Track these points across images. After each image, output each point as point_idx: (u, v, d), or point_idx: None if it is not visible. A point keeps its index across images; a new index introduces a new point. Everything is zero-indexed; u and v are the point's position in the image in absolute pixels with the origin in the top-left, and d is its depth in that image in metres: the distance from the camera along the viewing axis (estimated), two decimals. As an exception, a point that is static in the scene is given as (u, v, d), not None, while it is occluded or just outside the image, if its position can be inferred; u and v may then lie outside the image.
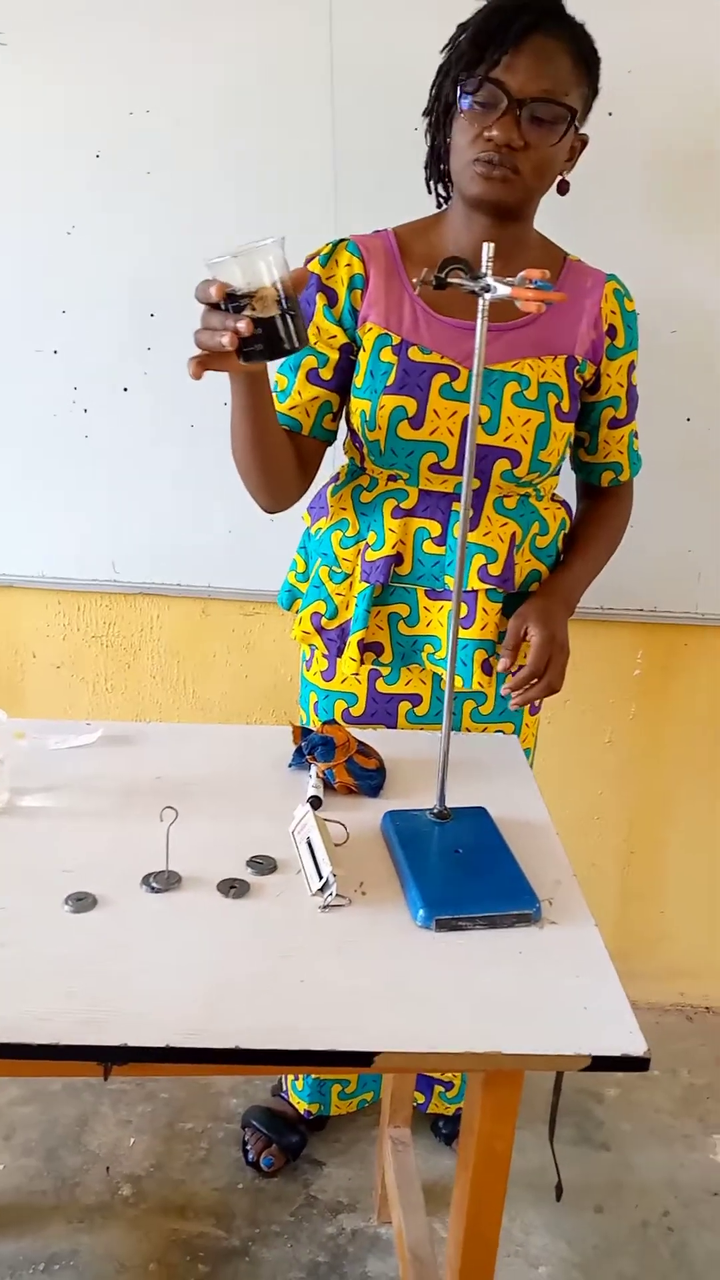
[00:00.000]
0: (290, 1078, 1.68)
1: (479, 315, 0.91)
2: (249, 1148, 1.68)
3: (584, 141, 1.24)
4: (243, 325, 0.94)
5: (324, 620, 1.38)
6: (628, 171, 1.56)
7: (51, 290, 1.65)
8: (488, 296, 0.89)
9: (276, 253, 0.96)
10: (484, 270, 0.90)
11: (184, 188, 1.58)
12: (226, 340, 0.96)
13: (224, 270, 0.95)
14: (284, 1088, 1.71)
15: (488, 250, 0.90)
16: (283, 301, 0.96)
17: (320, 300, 1.27)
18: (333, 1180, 1.67)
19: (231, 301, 0.96)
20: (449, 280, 0.91)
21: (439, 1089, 1.67)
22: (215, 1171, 1.67)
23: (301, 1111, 1.67)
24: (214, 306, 0.97)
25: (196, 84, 1.53)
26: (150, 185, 1.58)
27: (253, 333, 0.95)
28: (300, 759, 1.19)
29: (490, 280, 0.89)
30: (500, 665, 1.29)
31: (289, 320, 0.97)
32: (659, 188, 1.56)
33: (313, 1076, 1.61)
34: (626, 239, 1.58)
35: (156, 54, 1.52)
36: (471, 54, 1.15)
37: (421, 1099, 1.67)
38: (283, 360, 1.23)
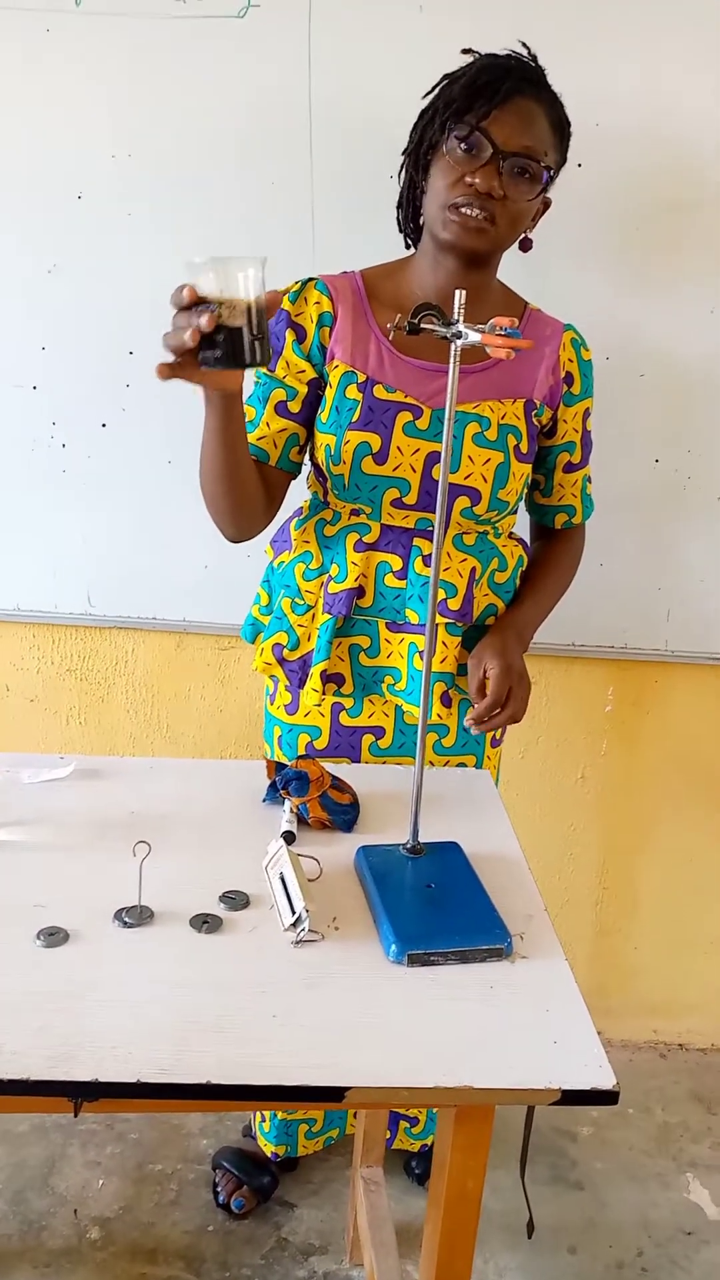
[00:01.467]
0: (257, 1119, 1.66)
1: (451, 359, 0.94)
2: (220, 1189, 1.66)
3: (547, 204, 1.31)
4: (204, 320, 0.94)
5: (285, 651, 1.39)
6: (597, 222, 1.60)
7: (31, 327, 1.67)
8: (459, 342, 0.92)
9: (255, 269, 0.97)
10: (456, 317, 0.92)
11: (163, 229, 1.61)
12: (188, 337, 0.96)
13: (200, 274, 0.97)
14: (253, 1129, 1.70)
15: (459, 298, 0.93)
16: (252, 315, 0.97)
17: (290, 336, 1.31)
18: (304, 1222, 1.65)
19: (205, 306, 0.96)
20: (422, 326, 0.94)
21: (404, 1124, 1.66)
22: (185, 1214, 1.65)
23: (269, 1154, 1.65)
24: (185, 310, 0.98)
25: (178, 129, 1.56)
26: (130, 226, 1.61)
27: (214, 337, 0.96)
28: (274, 794, 1.20)
29: (462, 327, 0.91)
30: (469, 717, 1.29)
31: (255, 335, 0.97)
32: (627, 237, 1.61)
33: (279, 1117, 1.60)
34: (596, 286, 1.62)
35: (139, 99, 1.55)
36: (462, 103, 1.20)
37: (388, 1135, 1.66)
38: (251, 393, 1.25)
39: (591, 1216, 1.70)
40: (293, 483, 1.39)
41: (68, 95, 1.56)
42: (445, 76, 1.25)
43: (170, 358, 1.03)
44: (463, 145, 1.20)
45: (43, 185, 1.59)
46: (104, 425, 1.71)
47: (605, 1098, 0.81)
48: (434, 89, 1.26)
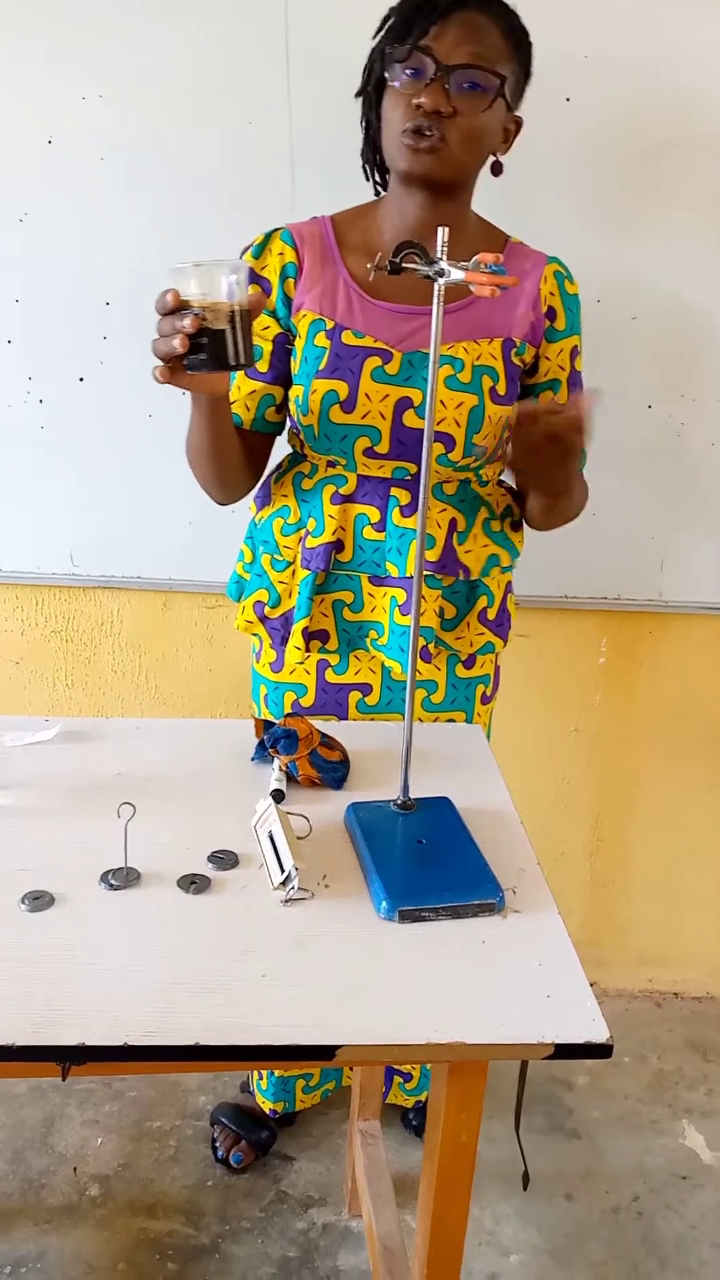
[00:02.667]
0: (255, 1076, 1.67)
1: (435, 299, 0.90)
2: (218, 1145, 1.67)
3: (518, 124, 1.25)
4: (188, 322, 0.98)
5: (267, 609, 1.37)
6: (586, 158, 1.55)
7: (3, 280, 1.62)
8: (442, 281, 0.88)
9: (237, 273, 1.01)
10: (439, 255, 0.89)
11: (139, 175, 1.56)
12: (177, 343, 0.99)
13: (183, 278, 1.00)
14: (251, 1085, 1.70)
15: (442, 234, 0.89)
16: (235, 319, 1.00)
17: (252, 291, 1.26)
18: (303, 1175, 1.66)
19: (189, 310, 0.99)
20: (404, 265, 0.90)
21: (398, 1080, 1.67)
22: (184, 1169, 1.66)
23: (267, 1111, 1.66)
24: (170, 314, 1.00)
25: (151, 71, 1.51)
26: (104, 172, 1.56)
27: (198, 340, 0.99)
28: (262, 752, 1.18)
29: (445, 265, 0.88)
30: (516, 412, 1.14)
31: (237, 336, 1.01)
32: (618, 175, 1.56)
33: (276, 1074, 1.60)
34: (586, 225, 1.57)
35: (112, 39, 1.49)
36: (401, 27, 1.16)
37: (381, 1089, 1.66)
38: None
39: (588, 1164, 1.72)
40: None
41: (38, 34, 1.49)
42: (390, 8, 1.20)
43: (154, 343, 1.04)
44: (407, 70, 1.16)
45: (11, 129, 1.54)
46: (81, 379, 1.67)
47: (599, 1051, 0.80)
48: (380, 25, 1.21)
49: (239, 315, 1.00)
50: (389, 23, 1.20)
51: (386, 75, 1.19)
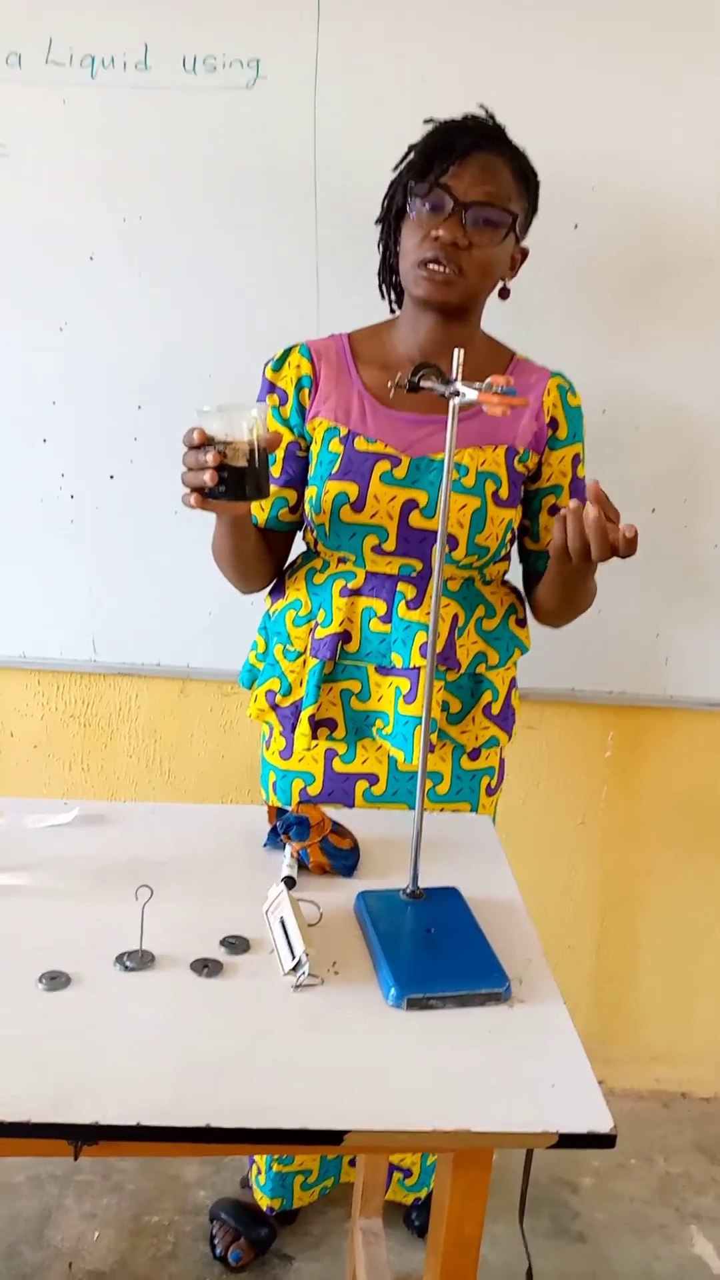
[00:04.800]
0: (254, 1172, 1.65)
1: (450, 416, 0.97)
2: (217, 1242, 1.64)
3: (524, 253, 1.35)
4: (210, 458, 1.10)
5: (278, 697, 1.42)
6: (593, 280, 1.65)
7: (42, 382, 1.71)
8: (457, 400, 0.95)
9: (256, 414, 1.12)
10: (454, 376, 0.96)
11: (173, 290, 1.66)
12: (207, 477, 1.10)
13: (208, 420, 1.11)
14: (250, 1181, 1.68)
15: (458, 357, 0.97)
16: (254, 457, 1.11)
17: (271, 400, 1.37)
18: (302, 1275, 1.63)
19: (212, 446, 1.11)
20: (421, 384, 0.97)
21: (398, 1176, 1.65)
22: (182, 1267, 1.63)
23: (265, 1207, 1.64)
24: (195, 449, 1.11)
25: (188, 193, 1.62)
26: (140, 286, 1.66)
27: (220, 473, 1.11)
28: (275, 838, 1.21)
29: (460, 385, 0.95)
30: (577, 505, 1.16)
31: (255, 473, 1.12)
32: (623, 295, 1.66)
33: (274, 1170, 1.59)
34: (593, 341, 1.66)
35: (150, 166, 1.61)
36: (421, 164, 1.27)
37: (384, 1186, 1.64)
38: None
39: (594, 1269, 1.68)
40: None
41: (82, 162, 1.62)
42: (410, 146, 1.31)
43: (180, 450, 1.14)
44: (426, 204, 1.26)
45: (56, 246, 1.65)
46: (112, 477, 1.75)
47: (603, 1141, 0.81)
48: (401, 160, 1.32)
49: (257, 453, 1.11)
50: (409, 158, 1.31)
51: (407, 207, 1.29)
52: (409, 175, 1.29)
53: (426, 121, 1.31)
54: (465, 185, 1.24)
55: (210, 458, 1.10)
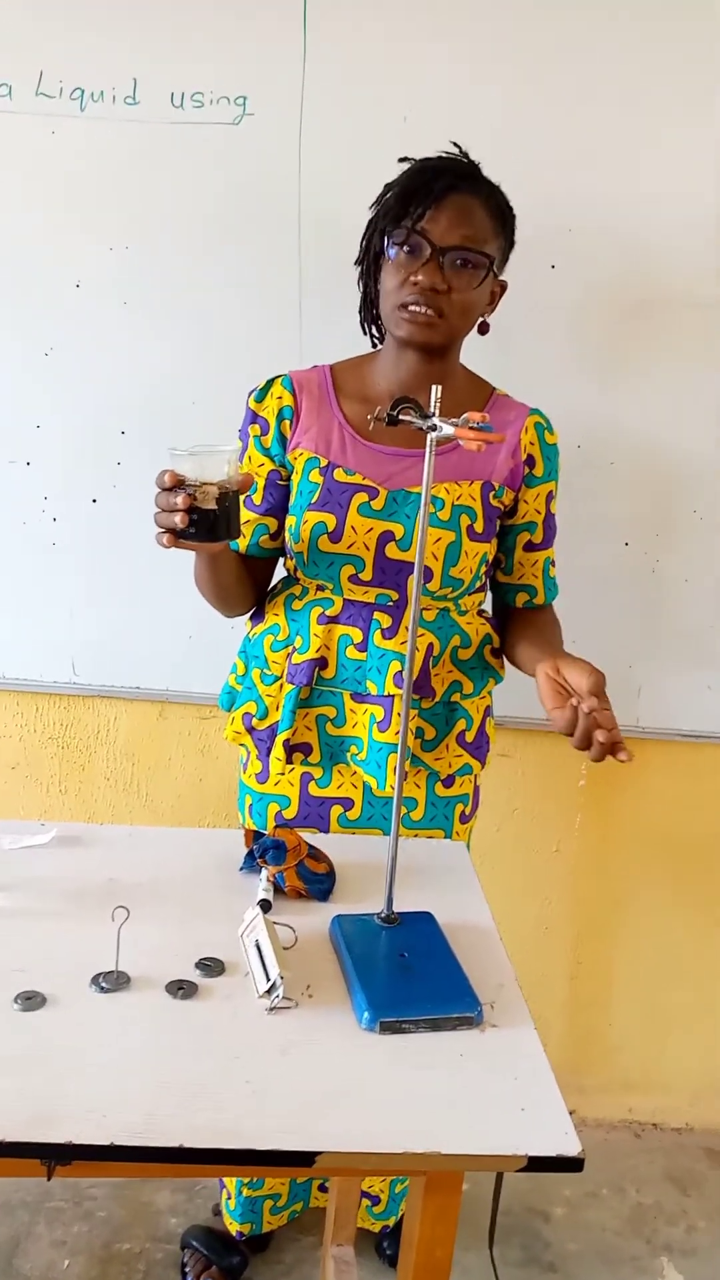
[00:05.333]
0: (225, 1196, 1.64)
1: (427, 451, 1.00)
2: (188, 1270, 1.63)
3: (503, 287, 1.37)
4: (180, 500, 1.12)
5: (254, 721, 1.44)
6: (569, 320, 1.69)
7: (27, 406, 1.73)
8: (434, 435, 0.98)
9: (229, 457, 1.15)
10: (432, 411, 0.98)
11: (158, 318, 1.68)
12: (178, 519, 1.13)
13: (180, 462, 1.13)
14: (222, 1207, 1.67)
15: (435, 392, 0.99)
16: (225, 499, 1.14)
17: (253, 430, 1.40)
18: (273, 1305, 1.62)
19: (184, 488, 1.13)
20: (400, 418, 1.00)
21: (366, 1203, 1.65)
22: (152, 1296, 1.62)
23: (234, 1232, 1.63)
24: (168, 490, 1.13)
25: (174, 225, 1.65)
26: (126, 315, 1.69)
27: (190, 515, 1.13)
28: (251, 862, 1.22)
29: (437, 420, 0.97)
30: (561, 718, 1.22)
31: (226, 514, 1.15)
32: (598, 335, 1.70)
33: (244, 1194, 1.58)
34: (568, 379, 1.70)
35: (138, 196, 1.64)
36: (398, 209, 1.28)
37: (356, 1212, 1.64)
38: None
39: (564, 1301, 1.68)
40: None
41: (70, 192, 1.64)
42: (385, 186, 1.33)
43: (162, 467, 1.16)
44: (404, 248, 1.28)
45: (44, 273, 1.67)
46: (94, 501, 1.77)
47: (571, 1164, 0.82)
48: (377, 201, 1.34)
49: (227, 495, 1.14)
50: (383, 200, 1.33)
51: (385, 250, 1.31)
52: (385, 219, 1.31)
53: (401, 160, 1.33)
54: (442, 229, 1.26)
55: (181, 500, 1.12)
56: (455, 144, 1.35)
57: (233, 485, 1.15)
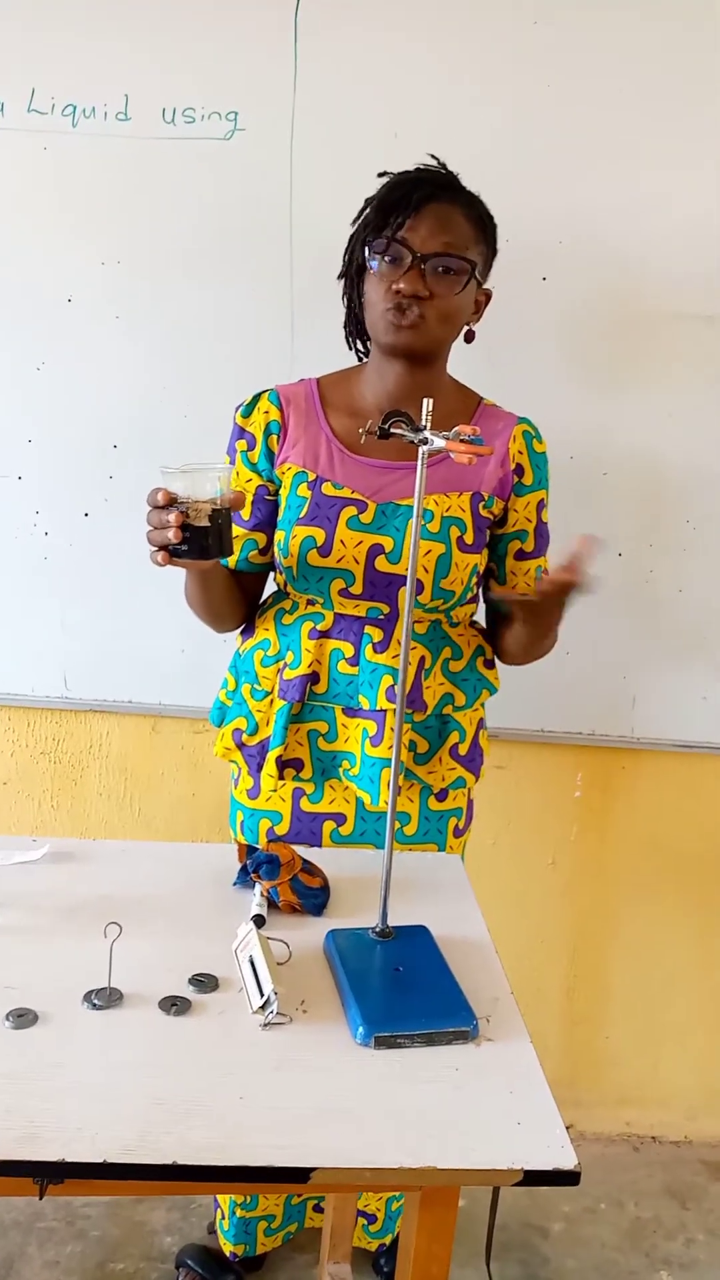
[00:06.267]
0: (219, 1216, 1.63)
1: (419, 462, 1.00)
2: (183, 1289, 1.62)
3: (488, 295, 1.38)
4: (172, 518, 1.13)
5: (245, 736, 1.43)
6: (562, 331, 1.69)
7: (19, 420, 1.73)
8: (425, 448, 0.98)
9: (220, 475, 1.15)
10: (424, 424, 0.98)
11: (150, 333, 1.69)
12: (171, 535, 1.13)
13: (173, 480, 1.14)
14: (216, 1227, 1.66)
15: (427, 406, 0.99)
16: (216, 516, 1.15)
17: (240, 445, 1.39)
18: (269, 1324, 1.61)
19: (176, 506, 1.13)
20: (392, 430, 1.00)
21: (362, 1222, 1.63)
22: (146, 1316, 1.60)
23: (229, 1253, 1.62)
24: (160, 508, 1.14)
25: (165, 240, 1.66)
26: (118, 329, 1.69)
27: (181, 537, 1.14)
28: (245, 877, 1.21)
29: (428, 433, 0.97)
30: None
31: (218, 532, 1.16)
32: (590, 346, 1.70)
33: (238, 1215, 1.57)
34: (561, 390, 1.71)
35: (129, 212, 1.65)
36: (378, 221, 1.29)
37: (353, 1230, 1.62)
38: None
39: (563, 1318, 1.67)
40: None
41: (62, 207, 1.65)
42: (366, 200, 1.34)
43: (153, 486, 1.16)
44: (386, 258, 1.29)
45: (35, 288, 1.68)
46: (86, 514, 1.77)
47: (568, 1178, 0.82)
48: (358, 215, 1.35)
49: (218, 513, 1.15)
50: (365, 212, 1.34)
51: (367, 263, 1.31)
52: (365, 231, 1.32)
53: (381, 175, 1.34)
54: (422, 237, 1.27)
55: (173, 518, 1.12)
56: (433, 155, 1.36)
57: (225, 503, 1.16)
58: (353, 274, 1.36)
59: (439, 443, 0.96)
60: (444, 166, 1.34)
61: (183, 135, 1.62)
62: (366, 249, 1.31)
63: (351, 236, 1.35)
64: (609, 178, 1.64)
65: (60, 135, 1.62)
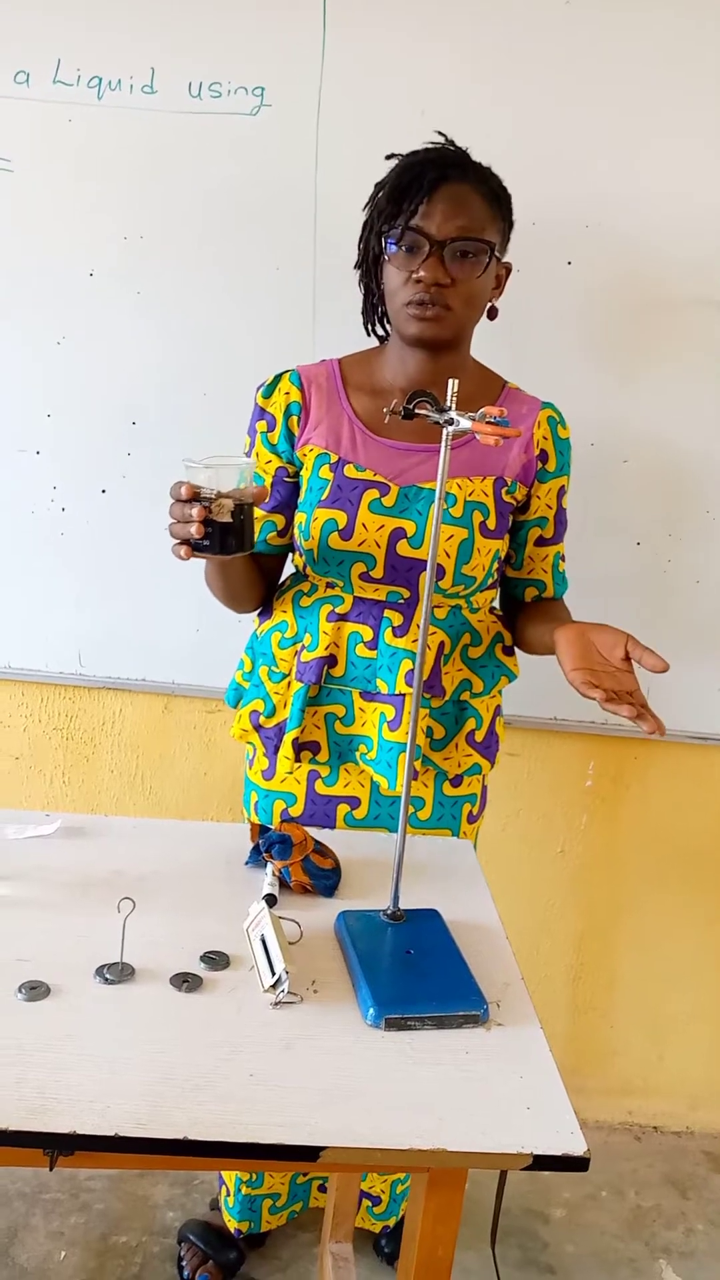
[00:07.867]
0: (224, 1193, 1.64)
1: (443, 443, 0.99)
2: (184, 1264, 1.63)
3: (508, 269, 1.35)
4: (195, 512, 1.12)
5: (262, 718, 1.43)
6: (586, 316, 1.68)
7: (38, 395, 1.73)
8: (450, 429, 0.97)
9: (243, 470, 1.15)
10: (449, 405, 0.97)
11: (171, 309, 1.68)
12: (194, 530, 1.13)
13: (196, 475, 1.14)
14: (219, 1202, 1.67)
15: (452, 387, 0.98)
16: (238, 512, 1.14)
17: (261, 426, 1.38)
18: (270, 1300, 1.62)
19: (199, 500, 1.13)
20: (416, 411, 0.99)
21: (366, 1203, 1.64)
22: (148, 1289, 1.61)
23: (233, 1230, 1.63)
24: (183, 502, 1.13)
25: (188, 215, 1.64)
26: (139, 304, 1.68)
27: (204, 532, 1.13)
28: (257, 856, 1.21)
29: (454, 414, 0.96)
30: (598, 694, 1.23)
31: (241, 527, 1.15)
32: (614, 332, 1.69)
33: (243, 1193, 1.58)
34: (584, 376, 1.69)
35: (152, 186, 1.63)
36: (391, 207, 1.27)
37: (355, 1210, 1.63)
38: None
39: (562, 1302, 1.67)
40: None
41: (86, 180, 1.64)
42: (376, 185, 1.31)
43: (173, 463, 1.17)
44: (402, 246, 1.26)
45: (57, 261, 1.67)
46: (104, 491, 1.76)
47: (576, 1164, 0.82)
48: (369, 201, 1.32)
49: (240, 508, 1.14)
50: (377, 198, 1.31)
51: (384, 250, 1.29)
52: (379, 220, 1.29)
53: (389, 157, 1.31)
54: (438, 222, 1.24)
55: (196, 512, 1.12)
56: (441, 133, 1.33)
57: (248, 497, 1.15)
58: (368, 263, 1.34)
59: (465, 424, 0.95)
60: (452, 142, 1.31)
61: (208, 110, 1.61)
62: (382, 238, 1.28)
63: (365, 224, 1.33)
64: (637, 160, 1.61)
65: (85, 107, 1.61)
